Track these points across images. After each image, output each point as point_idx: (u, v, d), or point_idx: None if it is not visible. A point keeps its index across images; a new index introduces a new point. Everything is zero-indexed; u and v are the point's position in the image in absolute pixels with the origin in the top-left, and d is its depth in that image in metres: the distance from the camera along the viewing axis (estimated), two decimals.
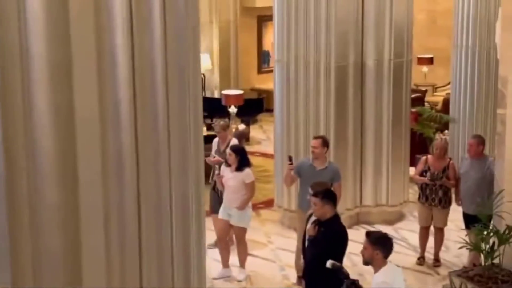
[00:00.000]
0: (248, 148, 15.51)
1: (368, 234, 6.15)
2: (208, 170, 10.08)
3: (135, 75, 2.48)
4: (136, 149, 2.58)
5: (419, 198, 9.79)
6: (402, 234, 10.98)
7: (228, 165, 9.11)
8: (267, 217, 11.59)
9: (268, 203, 11.89)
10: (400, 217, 11.55)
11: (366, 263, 6.09)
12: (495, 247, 7.76)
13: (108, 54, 2.50)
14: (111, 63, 2.49)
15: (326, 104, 10.58)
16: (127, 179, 2.57)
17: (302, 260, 8.21)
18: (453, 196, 9.57)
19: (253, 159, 14.94)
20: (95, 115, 2.50)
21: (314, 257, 6.79)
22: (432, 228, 9.78)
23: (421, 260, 9.87)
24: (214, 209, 9.55)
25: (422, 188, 9.64)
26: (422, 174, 9.55)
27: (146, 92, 2.55)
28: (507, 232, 7.70)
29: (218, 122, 10.74)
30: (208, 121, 15.52)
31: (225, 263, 9.33)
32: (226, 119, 11.15)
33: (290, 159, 9.07)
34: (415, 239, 10.08)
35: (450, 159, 9.84)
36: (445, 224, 9.72)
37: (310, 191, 7.19)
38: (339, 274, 6.27)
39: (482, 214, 8.07)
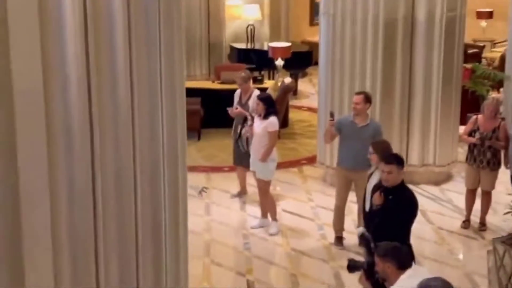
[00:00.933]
0: (295, 102, 15.38)
1: (376, 248, 5.58)
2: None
3: (88, 27, 2.15)
4: (91, 123, 2.24)
5: (466, 159, 9.46)
6: (449, 195, 10.73)
7: (259, 115, 9.21)
8: (309, 174, 11.41)
9: (312, 160, 11.69)
10: (447, 177, 11.27)
11: (382, 279, 5.47)
12: None
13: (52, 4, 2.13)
14: (57, 14, 2.07)
15: (373, 59, 10.28)
16: (78, 157, 2.25)
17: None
18: (503, 158, 9.22)
19: (299, 114, 14.81)
20: (38, 84, 2.16)
21: (382, 227, 6.43)
22: (479, 191, 9.46)
23: (466, 223, 9.57)
24: (237, 161, 10.02)
25: (470, 149, 9.31)
26: (470, 134, 9.23)
27: (103, 49, 2.22)
28: None
29: (239, 74, 10.60)
30: (257, 73, 15.28)
31: (263, 213, 9.40)
32: (247, 71, 10.96)
33: (331, 115, 8.81)
34: (461, 201, 9.81)
35: (503, 119, 9.46)
36: (493, 187, 9.37)
37: (371, 149, 7.24)
38: (365, 245, 6.05)
39: None
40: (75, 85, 2.17)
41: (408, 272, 5.16)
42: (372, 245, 5.95)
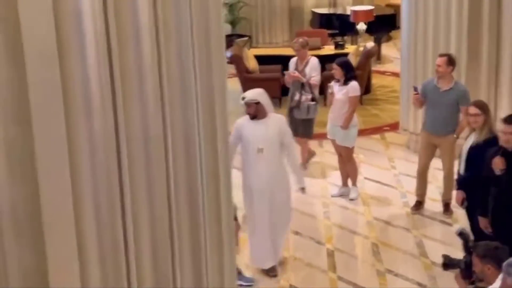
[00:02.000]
0: (378, 67, 15.02)
1: (475, 247, 5.40)
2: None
3: None
4: (113, 87, 2.09)
5: None
6: None
7: (337, 81, 9.05)
8: (392, 140, 11.14)
9: (394, 126, 11.42)
10: None
11: (479, 279, 5.31)
12: None
13: None
14: None
15: (458, 20, 9.86)
16: (100, 126, 2.07)
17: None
18: None
19: (383, 79, 14.48)
20: (51, 41, 2.03)
21: (506, 193, 6.26)
22: None
23: None
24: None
25: None
26: None
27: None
28: None
29: (297, 40, 10.34)
30: (339, 39, 15.00)
31: (344, 182, 9.29)
32: (305, 37, 10.67)
33: (415, 89, 8.53)
34: None
35: None
36: None
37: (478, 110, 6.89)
38: (464, 243, 5.84)
39: None
40: (93, 46, 2.05)
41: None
42: (469, 243, 5.73)
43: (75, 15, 2.06)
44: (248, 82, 12.56)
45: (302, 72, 9.91)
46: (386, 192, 9.41)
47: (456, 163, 8.27)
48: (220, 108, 2.54)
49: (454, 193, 7.57)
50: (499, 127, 6.35)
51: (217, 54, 2.60)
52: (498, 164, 6.20)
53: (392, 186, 9.57)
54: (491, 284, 4.94)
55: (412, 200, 8.80)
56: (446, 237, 8.14)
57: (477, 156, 6.85)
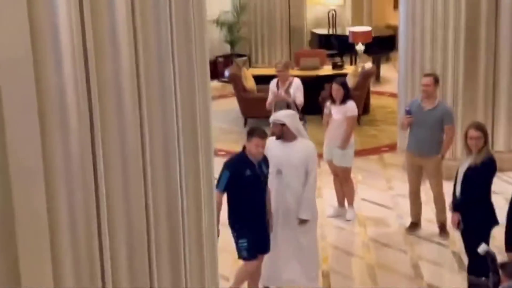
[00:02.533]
0: (377, 88, 15.05)
1: (504, 266, 5.33)
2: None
3: None
4: (89, 95, 2.06)
5: None
6: None
7: (333, 102, 9.00)
8: (390, 161, 11.13)
9: (393, 147, 11.42)
10: None
11: None
12: None
13: None
14: None
15: (455, 40, 9.91)
16: (76, 133, 2.05)
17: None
18: None
19: (381, 100, 14.49)
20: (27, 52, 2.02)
21: None
22: None
23: None
24: None
25: None
26: None
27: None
28: None
29: (280, 61, 10.47)
30: (338, 59, 15.03)
31: (340, 202, 9.25)
32: (288, 60, 10.84)
33: (408, 112, 8.52)
34: None
35: None
36: None
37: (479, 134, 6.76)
38: (491, 262, 5.77)
39: None
40: (69, 53, 2.00)
41: None
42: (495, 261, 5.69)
43: (51, 26, 2.02)
44: (245, 101, 12.57)
45: (286, 93, 10.08)
46: (382, 213, 9.37)
47: (444, 183, 8.38)
48: (203, 119, 2.50)
49: (449, 214, 7.52)
50: None
51: (200, 70, 2.58)
52: None
53: (389, 207, 9.53)
54: None
55: (409, 221, 8.76)
56: (442, 258, 8.10)
57: (474, 178, 6.82)
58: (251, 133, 6.63)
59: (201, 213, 2.53)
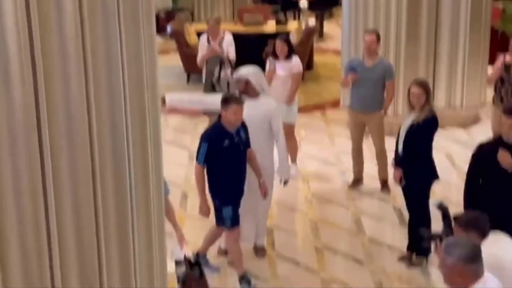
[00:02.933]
0: (321, 45, 15.07)
1: (456, 218, 5.27)
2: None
3: None
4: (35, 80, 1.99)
5: (493, 100, 9.19)
6: (476, 138, 10.38)
7: (275, 57, 8.94)
8: (333, 118, 11.23)
9: (336, 103, 11.48)
10: (475, 120, 11.07)
11: None
12: None
13: None
14: None
15: None
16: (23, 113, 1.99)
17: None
18: None
19: (325, 56, 14.51)
20: None
21: None
22: None
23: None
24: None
25: (497, 89, 9.01)
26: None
27: None
28: None
29: (211, 16, 10.41)
30: (281, 15, 14.98)
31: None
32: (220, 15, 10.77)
33: (353, 69, 8.57)
34: None
35: None
36: None
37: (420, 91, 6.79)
38: (443, 216, 5.83)
39: None
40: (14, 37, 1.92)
41: (491, 238, 5.00)
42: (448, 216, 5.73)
43: None
44: (188, 57, 12.44)
45: (219, 47, 10.02)
46: (326, 169, 9.48)
47: (386, 138, 8.51)
48: (151, 93, 2.44)
49: (391, 170, 7.64)
50: (502, 118, 6.08)
51: (146, 29, 2.49)
52: (507, 160, 5.86)
53: (332, 163, 9.64)
54: None
55: (352, 177, 8.88)
56: (384, 213, 8.25)
57: (416, 135, 6.92)
58: (226, 101, 6.42)
59: (148, 175, 2.48)
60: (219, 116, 6.49)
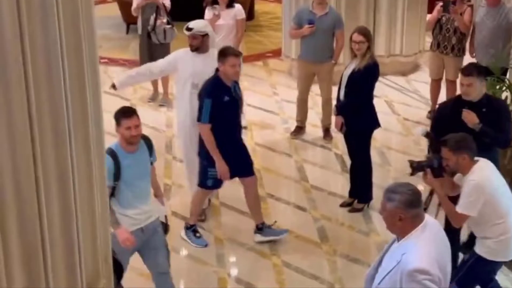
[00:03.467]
0: None
1: (445, 142, 5.36)
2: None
3: None
4: None
5: (431, 46, 9.39)
6: (415, 86, 10.70)
7: (215, 2, 8.81)
8: (274, 67, 11.26)
9: (277, 53, 11.51)
10: (414, 67, 11.27)
11: (452, 173, 5.42)
12: (508, 101, 7.31)
13: None
14: None
15: None
16: None
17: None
18: (468, 47, 9.18)
19: (265, 5, 14.46)
20: None
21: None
22: (444, 81, 9.42)
23: (432, 114, 9.50)
24: (148, 58, 9.27)
25: (435, 34, 9.21)
26: (437, 21, 9.17)
27: None
28: None
29: None
30: None
31: None
32: None
33: (312, 22, 8.56)
34: (428, 91, 9.78)
35: (470, 6, 9.29)
36: (457, 76, 9.13)
37: (361, 38, 6.80)
38: (430, 143, 5.97)
39: (495, 66, 7.65)
40: None
41: (481, 161, 5.22)
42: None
43: None
44: (126, 7, 12.21)
45: None
46: (268, 118, 9.52)
47: (334, 88, 8.53)
48: (88, 44, 2.37)
49: (333, 118, 7.74)
50: (460, 78, 6.12)
51: None
52: (469, 120, 5.91)
53: (274, 112, 9.69)
54: (465, 174, 5.18)
55: (294, 126, 8.96)
56: (326, 161, 8.37)
57: (358, 82, 6.98)
58: (223, 53, 6.24)
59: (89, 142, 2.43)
60: (217, 70, 6.30)
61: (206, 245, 6.65)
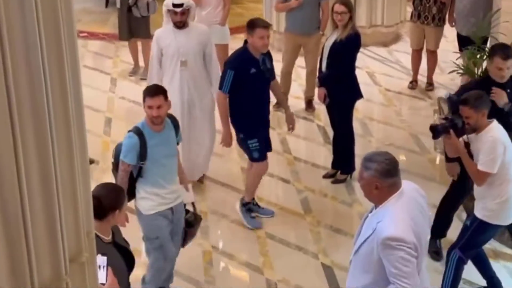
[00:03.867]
0: None
1: (466, 100, 5.45)
2: None
3: None
4: None
5: (411, 17, 9.55)
6: (397, 56, 10.87)
7: None
8: None
9: None
10: (395, 38, 11.43)
11: (473, 130, 5.49)
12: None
13: None
14: None
15: None
16: None
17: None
18: (448, 16, 9.34)
19: None
20: None
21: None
22: (425, 51, 9.64)
23: (413, 84, 9.76)
24: (128, 33, 9.50)
25: (415, 5, 9.36)
26: None
27: None
28: None
29: None
30: None
31: None
32: None
33: None
34: (409, 62, 9.95)
35: None
36: (437, 46, 9.50)
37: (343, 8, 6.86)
38: (452, 106, 6.00)
39: (476, 35, 7.78)
40: None
41: (495, 121, 5.35)
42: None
43: None
44: None
45: None
46: None
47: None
48: (65, 17, 2.34)
49: (316, 90, 7.80)
50: (495, 61, 6.03)
51: None
52: (503, 97, 5.95)
53: None
54: (482, 130, 5.32)
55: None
56: (309, 133, 8.44)
57: (340, 52, 7.04)
58: (252, 25, 6.16)
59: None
60: (245, 42, 6.27)
61: (258, 227, 6.61)
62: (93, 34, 11.59)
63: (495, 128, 5.38)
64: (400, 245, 3.83)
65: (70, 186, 2.42)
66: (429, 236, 4.26)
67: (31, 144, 2.21)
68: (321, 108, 8.32)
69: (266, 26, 6.21)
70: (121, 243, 4.29)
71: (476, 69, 7.49)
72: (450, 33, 9.71)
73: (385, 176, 4.00)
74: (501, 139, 5.37)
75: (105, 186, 4.27)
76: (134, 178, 5.29)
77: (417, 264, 3.94)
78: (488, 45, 7.80)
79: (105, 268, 3.96)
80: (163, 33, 6.96)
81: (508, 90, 5.98)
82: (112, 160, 5.45)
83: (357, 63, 7.42)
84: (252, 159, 6.56)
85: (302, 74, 9.10)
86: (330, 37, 7.27)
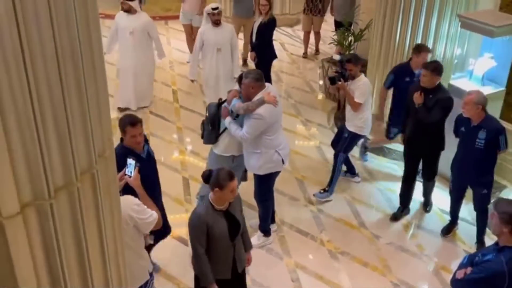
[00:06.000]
0: None
1: (350, 60, 6.88)
2: None
3: None
4: None
5: (304, 10, 12.26)
6: (298, 33, 13.77)
7: None
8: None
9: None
10: (297, 21, 14.21)
11: (352, 77, 6.99)
12: (352, 43, 9.85)
13: None
14: None
15: None
16: None
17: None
18: (329, 9, 12.05)
19: None
20: None
21: (421, 123, 6.95)
22: (313, 32, 12.51)
23: (305, 54, 12.64)
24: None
25: (307, 2, 11.96)
26: None
27: None
28: (359, 33, 9.86)
29: None
30: None
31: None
32: None
33: None
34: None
35: None
36: (320, 28, 12.50)
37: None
38: (341, 62, 7.62)
39: (346, 21, 10.17)
40: None
41: (362, 74, 6.81)
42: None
43: None
44: None
45: None
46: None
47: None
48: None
49: (249, 54, 10.21)
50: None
51: None
52: (418, 99, 6.81)
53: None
54: (357, 77, 6.80)
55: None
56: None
57: (264, 30, 9.61)
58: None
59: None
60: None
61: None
62: (109, 16, 12.29)
63: (364, 77, 7.09)
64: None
65: (80, 106, 2.38)
66: None
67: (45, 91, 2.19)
68: (251, 65, 10.66)
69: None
70: (232, 212, 4.86)
71: (344, 42, 9.83)
72: (329, 20, 12.36)
73: (257, 80, 5.53)
74: (368, 83, 7.03)
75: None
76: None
77: None
78: (352, 27, 10.03)
79: (133, 166, 4.50)
80: (204, 29, 8.64)
81: (430, 96, 6.83)
82: (206, 114, 6.58)
83: (274, 37, 9.87)
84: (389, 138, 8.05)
85: (240, 43, 10.87)
86: (257, 20, 9.75)
